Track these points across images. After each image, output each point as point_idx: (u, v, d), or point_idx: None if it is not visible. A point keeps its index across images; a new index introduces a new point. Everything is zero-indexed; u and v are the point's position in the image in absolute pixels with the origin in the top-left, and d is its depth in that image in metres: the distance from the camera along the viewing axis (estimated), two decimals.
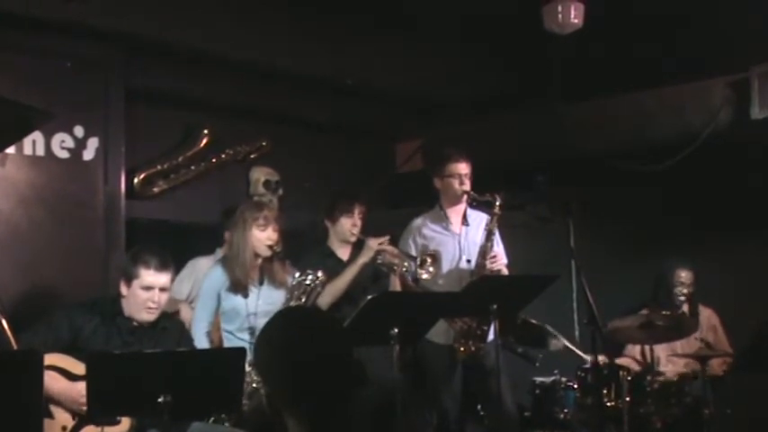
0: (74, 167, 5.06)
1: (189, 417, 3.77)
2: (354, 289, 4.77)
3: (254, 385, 4.10)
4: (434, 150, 5.23)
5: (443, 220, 5.11)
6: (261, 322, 4.29)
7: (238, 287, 4.34)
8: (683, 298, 5.78)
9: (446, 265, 4.99)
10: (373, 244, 4.72)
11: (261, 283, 4.40)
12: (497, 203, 4.91)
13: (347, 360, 1.98)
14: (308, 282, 4.23)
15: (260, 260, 4.39)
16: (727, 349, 5.64)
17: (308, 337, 1.97)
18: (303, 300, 4.21)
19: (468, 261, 5.00)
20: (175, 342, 4.04)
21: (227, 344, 4.41)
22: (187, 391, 3.29)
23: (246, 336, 4.32)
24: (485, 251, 4.93)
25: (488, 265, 4.90)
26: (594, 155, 6.28)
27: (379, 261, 4.79)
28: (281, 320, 2.11)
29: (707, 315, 5.83)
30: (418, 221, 5.16)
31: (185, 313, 4.88)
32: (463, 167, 5.01)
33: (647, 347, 5.57)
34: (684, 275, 5.79)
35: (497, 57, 5.91)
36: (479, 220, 5.11)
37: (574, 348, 5.33)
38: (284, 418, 1.91)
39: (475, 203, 5.09)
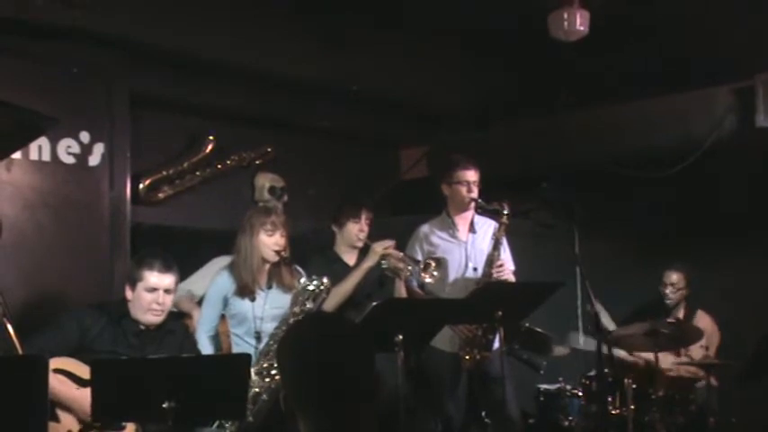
0: (79, 173, 5.06)
1: (193, 423, 3.77)
2: (359, 294, 4.78)
3: (257, 390, 4.11)
4: (443, 157, 5.22)
5: (450, 228, 5.09)
6: (267, 326, 4.30)
7: (245, 291, 4.35)
8: (669, 301, 5.74)
9: (452, 273, 4.98)
10: (378, 248, 4.73)
11: (269, 288, 4.40)
12: (505, 212, 4.90)
13: (367, 370, 2.01)
14: (311, 288, 4.23)
15: (267, 265, 4.39)
16: (712, 356, 5.61)
17: (333, 343, 2.00)
18: (308, 306, 4.21)
19: (475, 269, 4.98)
20: (179, 345, 4.06)
21: (235, 348, 4.42)
22: (191, 396, 3.30)
23: (253, 340, 4.33)
24: (491, 260, 4.91)
25: (494, 274, 4.89)
26: (599, 162, 6.28)
27: (383, 266, 4.79)
28: (309, 324, 2.14)
29: (707, 322, 5.81)
30: (425, 228, 5.14)
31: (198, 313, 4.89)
32: (471, 175, 4.99)
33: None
34: (675, 277, 5.75)
35: (502, 64, 5.92)
36: (487, 226, 5.09)
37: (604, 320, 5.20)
38: (297, 421, 1.93)
39: (481, 211, 5.08)
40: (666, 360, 5.56)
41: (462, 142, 6.57)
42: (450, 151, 5.40)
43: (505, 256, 5.04)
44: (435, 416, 5.17)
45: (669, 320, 5.29)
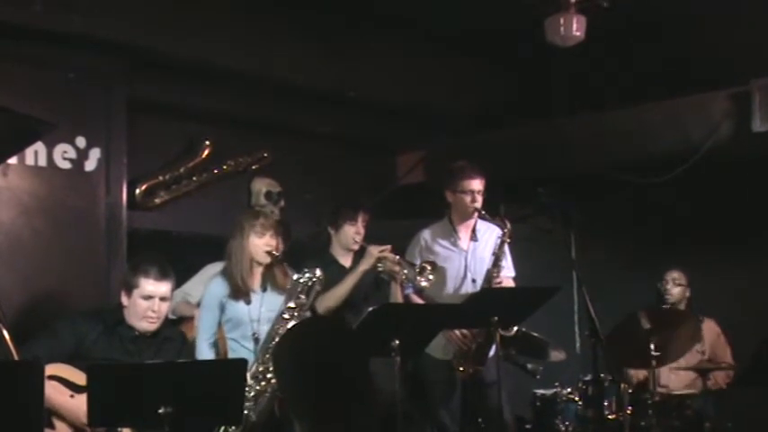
0: (76, 178, 5.06)
1: (190, 428, 3.76)
2: (356, 296, 4.77)
3: (258, 389, 4.09)
4: (448, 163, 5.17)
5: (452, 235, 5.05)
6: (264, 329, 4.27)
7: (239, 294, 4.33)
8: (669, 297, 5.71)
9: (451, 282, 4.97)
10: (374, 251, 4.72)
11: (264, 290, 4.39)
12: (506, 228, 4.88)
13: (363, 370, 2.02)
14: (303, 280, 4.20)
15: (260, 267, 4.39)
16: (729, 361, 5.62)
17: (329, 344, 2.01)
18: (302, 298, 4.18)
19: (474, 281, 4.96)
20: (176, 352, 4.05)
21: (231, 354, 4.38)
22: (188, 402, 3.29)
23: (250, 344, 4.31)
24: (490, 277, 4.89)
25: None
26: (596, 167, 6.28)
27: (379, 269, 4.79)
28: (306, 326, 2.14)
29: (710, 327, 5.80)
30: (426, 235, 5.09)
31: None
32: (476, 184, 4.92)
33: None
34: (677, 274, 5.73)
35: (499, 69, 5.93)
36: (489, 233, 5.05)
37: None
38: (293, 424, 1.94)
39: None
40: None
41: (460, 147, 6.57)
42: (454, 158, 5.35)
43: (506, 262, 5.03)
44: (431, 423, 5.17)
45: None
